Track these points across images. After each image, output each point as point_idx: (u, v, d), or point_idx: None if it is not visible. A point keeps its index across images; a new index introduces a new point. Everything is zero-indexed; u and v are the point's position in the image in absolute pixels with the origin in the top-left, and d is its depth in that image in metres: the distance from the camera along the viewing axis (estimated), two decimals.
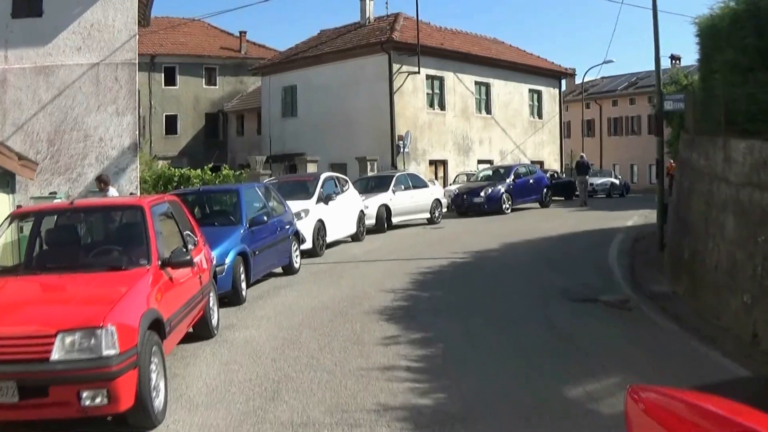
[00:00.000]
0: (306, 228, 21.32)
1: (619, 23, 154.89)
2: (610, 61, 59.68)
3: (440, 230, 29.44)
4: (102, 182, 18.79)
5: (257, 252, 15.87)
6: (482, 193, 35.67)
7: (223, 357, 10.61)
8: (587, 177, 43.32)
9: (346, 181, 26.90)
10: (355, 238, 25.82)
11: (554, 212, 36.40)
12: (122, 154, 22.56)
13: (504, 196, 35.97)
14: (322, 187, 23.84)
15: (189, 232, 11.27)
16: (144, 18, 30.02)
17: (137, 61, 23.21)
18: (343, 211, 24.55)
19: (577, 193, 46.99)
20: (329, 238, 23.12)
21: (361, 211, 26.40)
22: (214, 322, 11.91)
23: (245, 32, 64.44)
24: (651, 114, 70.14)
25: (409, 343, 10.99)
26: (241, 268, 14.86)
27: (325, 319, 12.79)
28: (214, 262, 13.27)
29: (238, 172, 36.29)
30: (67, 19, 22.57)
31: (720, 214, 12.67)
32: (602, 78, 79.23)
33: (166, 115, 59.57)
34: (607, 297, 14.61)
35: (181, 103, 60.03)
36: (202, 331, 11.45)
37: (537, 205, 39.30)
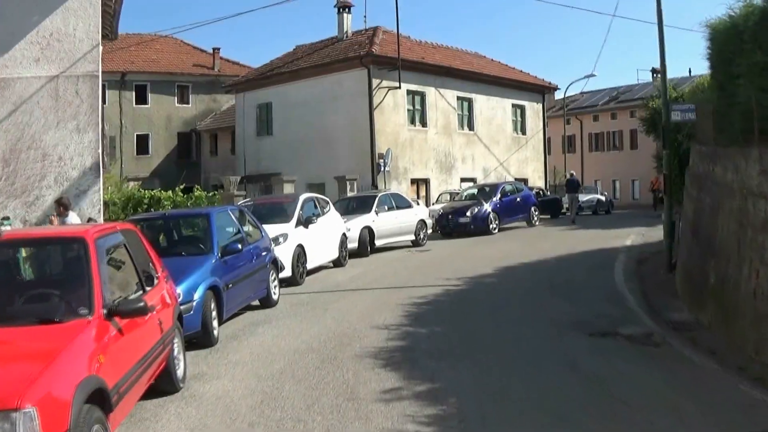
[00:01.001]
0: (285, 254, 19.61)
1: (599, 37, 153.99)
2: (592, 75, 58.99)
3: (427, 253, 27.74)
4: (61, 206, 17.10)
5: (231, 285, 13.99)
6: (468, 213, 34.19)
7: (190, 419, 8.71)
8: (577, 194, 42.66)
9: (327, 203, 25.15)
10: (338, 263, 24.10)
11: (544, 231, 34.76)
12: (83, 175, 20.62)
13: (491, 215, 34.49)
14: (301, 209, 22.13)
15: (148, 268, 9.46)
16: (111, 30, 28.13)
17: (100, 74, 21.31)
18: (324, 235, 22.84)
19: (563, 210, 46.64)
20: (310, 265, 21.39)
21: (344, 235, 24.71)
22: (180, 372, 10.00)
23: (219, 49, 62.72)
24: (634, 128, 69.43)
25: (415, 397, 9.13)
26: (213, 305, 13.00)
27: (310, 366, 10.92)
28: (180, 299, 11.51)
29: (211, 194, 34.71)
30: (24, 28, 20.65)
31: (759, 235, 10.98)
32: (582, 93, 78.19)
33: (137, 135, 57.93)
34: (628, 329, 13.02)
35: (153, 122, 58.36)
36: (164, 385, 9.53)
37: (524, 224, 37.69)
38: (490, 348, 11.86)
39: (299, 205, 22.22)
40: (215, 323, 13.05)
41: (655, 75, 77.32)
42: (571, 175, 44.94)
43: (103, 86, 53.27)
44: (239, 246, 14.50)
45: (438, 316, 14.66)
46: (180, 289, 11.97)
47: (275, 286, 17.04)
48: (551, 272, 20.68)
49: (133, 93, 57.64)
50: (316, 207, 23.57)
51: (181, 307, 11.50)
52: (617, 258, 23.12)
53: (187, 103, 60.05)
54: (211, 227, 14.50)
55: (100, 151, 20.88)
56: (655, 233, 28.84)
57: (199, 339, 12.45)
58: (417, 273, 21.61)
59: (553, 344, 12.06)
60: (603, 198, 53.08)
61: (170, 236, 15.61)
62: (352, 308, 15.90)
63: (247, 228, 16.95)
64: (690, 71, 44.75)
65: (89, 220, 16.41)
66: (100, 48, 21.88)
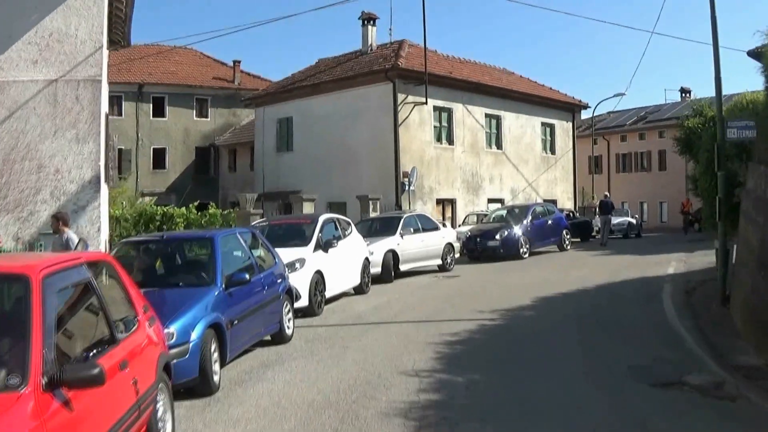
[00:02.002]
0: (301, 281, 17.75)
1: (626, 56, 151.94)
2: (622, 95, 56.66)
3: (455, 279, 25.81)
4: (60, 220, 15.29)
5: (236, 321, 12.04)
6: (497, 236, 32.42)
7: None
8: (610, 217, 41.31)
9: (349, 224, 23.30)
10: (359, 290, 22.23)
11: (577, 257, 32.80)
12: (82, 189, 18.79)
13: (521, 239, 32.74)
14: (320, 231, 20.29)
15: (124, 310, 7.59)
16: (123, 37, 26.54)
17: (104, 79, 19.58)
18: (345, 260, 20.99)
19: (593, 234, 45.24)
20: (329, 293, 19.54)
21: (366, 259, 22.85)
22: None
23: (239, 62, 61.36)
24: (663, 149, 67.65)
25: None
26: (213, 346, 11.06)
27: (327, 427, 8.96)
28: (174, 340, 9.80)
29: (226, 212, 33.06)
30: (21, 27, 18.87)
31: None
32: (609, 113, 76.56)
33: (154, 148, 56.62)
34: (695, 378, 11.10)
35: (170, 136, 57.05)
36: None
37: (555, 248, 35.90)
38: (542, 404, 9.91)
39: (318, 226, 20.38)
40: (216, 366, 11.10)
41: (684, 94, 76.09)
42: (606, 196, 43.43)
43: (120, 97, 53.38)
44: (247, 276, 12.47)
45: (475, 360, 12.67)
46: (174, 328, 10.23)
47: (289, 320, 15.14)
48: (594, 305, 18.72)
49: (151, 105, 56.42)
50: (336, 229, 21.73)
51: (175, 350, 9.83)
52: (663, 288, 21.20)
53: (206, 116, 58.79)
54: (215, 253, 12.51)
55: (101, 163, 19.10)
56: (697, 260, 27.08)
57: (196, 387, 10.54)
58: (446, 303, 19.69)
59: (614, 399, 10.15)
60: (634, 221, 51.14)
61: (168, 263, 13.56)
62: (376, 347, 13.97)
63: (259, 253, 15.07)
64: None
65: (80, 241, 14.48)
66: (105, 51, 20.15)
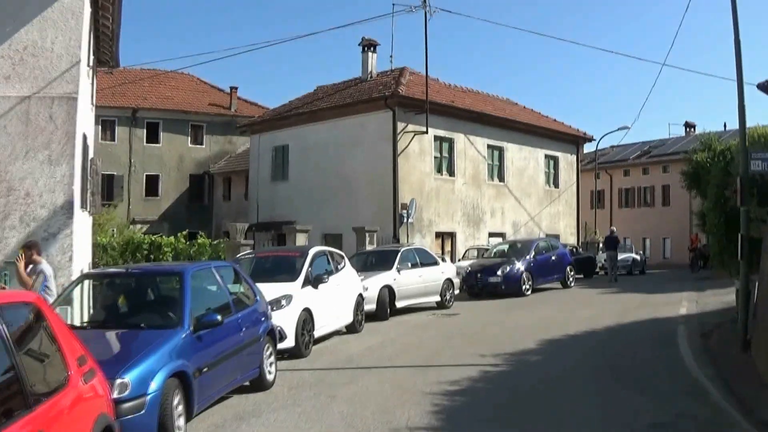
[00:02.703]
0: (287, 320, 16.32)
1: (629, 89, 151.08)
2: (627, 128, 55.42)
3: (455, 318, 24.34)
4: (33, 250, 13.74)
5: (206, 369, 10.52)
6: (499, 272, 31.11)
7: None
8: (617, 252, 40.29)
9: (342, 257, 21.81)
10: (352, 329, 20.74)
11: (582, 295, 31.34)
12: (53, 215, 17.34)
13: (524, 275, 31.38)
14: (310, 265, 18.77)
15: (49, 365, 6.15)
16: (111, 57, 25.36)
17: (81, 96, 18.16)
18: (336, 296, 19.51)
19: (597, 270, 44.51)
20: (319, 332, 18.09)
21: (360, 295, 21.39)
22: None
23: (236, 88, 60.45)
24: (667, 184, 66.58)
25: None
26: (177, 398, 9.55)
27: None
28: (128, 393, 8.56)
29: (216, 242, 31.84)
30: None
31: None
32: (612, 147, 75.71)
33: (146, 175, 55.45)
34: None
35: (164, 162, 55.90)
36: None
37: (559, 285, 34.51)
38: None
39: (308, 260, 18.86)
40: (181, 421, 9.62)
41: (688, 129, 75.26)
42: (612, 231, 42.02)
43: (113, 122, 52.26)
44: (218, 317, 10.84)
45: (478, 416, 11.21)
46: (129, 378, 8.83)
47: (271, 364, 13.64)
48: (606, 349, 17.24)
49: (145, 130, 55.42)
50: (328, 262, 20.27)
51: (129, 405, 8.52)
52: (677, 331, 19.74)
53: (201, 143, 57.75)
54: (183, 291, 10.92)
55: (74, 187, 17.68)
56: (709, 300, 25.79)
57: None
58: (445, 345, 18.20)
59: None
60: (638, 257, 49.98)
61: (132, 300, 11.95)
62: (367, 397, 12.48)
63: (238, 289, 13.59)
64: (725, 125, 41.93)
65: (38, 274, 13.04)
66: (83, 67, 18.82)
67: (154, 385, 9.09)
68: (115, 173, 52.61)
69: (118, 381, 8.68)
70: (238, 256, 21.30)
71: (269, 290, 16.22)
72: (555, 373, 14.54)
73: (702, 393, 12.69)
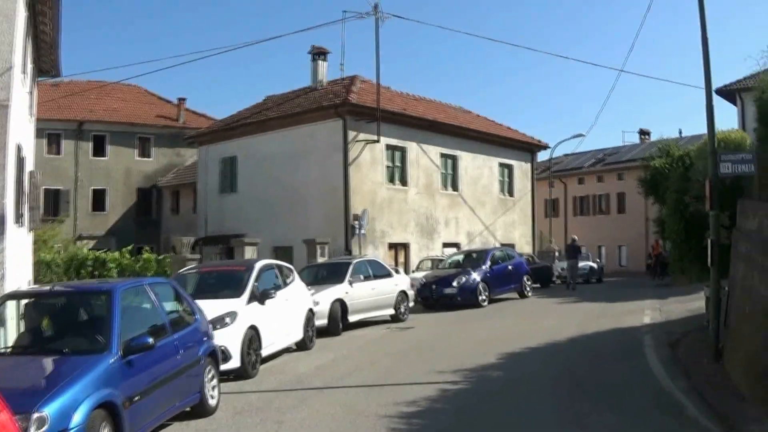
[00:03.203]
0: (232, 339, 15.32)
1: (583, 97, 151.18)
2: (581, 135, 54.92)
3: (410, 332, 23.41)
4: None
5: (138, 397, 9.50)
6: (454, 283, 30.29)
7: None
8: (578, 261, 40.46)
9: (291, 271, 20.71)
10: (302, 346, 19.72)
11: (541, 304, 30.55)
12: None
13: (480, 285, 30.56)
14: (256, 279, 17.64)
15: None
16: (52, 65, 24.38)
17: (12, 104, 17.00)
18: (285, 312, 18.47)
19: (554, 279, 44.36)
20: (266, 351, 17.05)
21: (310, 310, 20.36)
22: None
23: (184, 99, 59.76)
24: (622, 192, 66.43)
25: None
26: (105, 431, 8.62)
27: None
28: (46, 428, 7.70)
29: (162, 257, 30.80)
30: None
31: None
32: (566, 155, 75.48)
33: (93, 189, 54.40)
34: None
35: (111, 177, 54.86)
36: None
37: (516, 295, 33.65)
38: None
39: (254, 274, 17.70)
40: None
41: (643, 136, 75.21)
42: (573, 240, 41.64)
43: (59, 135, 51.03)
44: (150, 340, 9.76)
45: None
46: (47, 412, 7.87)
47: (213, 387, 12.64)
48: (570, 362, 16.34)
49: (91, 144, 54.47)
50: (276, 276, 19.18)
51: None
52: (643, 341, 18.85)
53: (149, 156, 56.84)
54: (111, 311, 9.84)
55: (7, 201, 16.59)
56: (673, 308, 25.07)
57: None
58: (401, 362, 17.22)
59: None
60: (595, 265, 49.57)
61: (57, 322, 10.80)
62: (317, 422, 11.51)
63: (176, 307, 12.56)
64: (681, 132, 41.70)
65: None
66: (17, 74, 17.69)
67: (77, 418, 8.10)
68: (61, 188, 51.66)
69: (36, 415, 7.73)
70: (181, 271, 20.11)
71: (213, 307, 15.28)
72: (518, 390, 13.65)
73: (677, 407, 11.94)
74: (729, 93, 43.04)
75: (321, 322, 22.05)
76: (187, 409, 11.88)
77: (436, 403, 12.53)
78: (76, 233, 49.91)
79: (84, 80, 52.55)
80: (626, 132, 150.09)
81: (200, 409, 12.11)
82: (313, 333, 20.45)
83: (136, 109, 57.47)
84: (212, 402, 12.45)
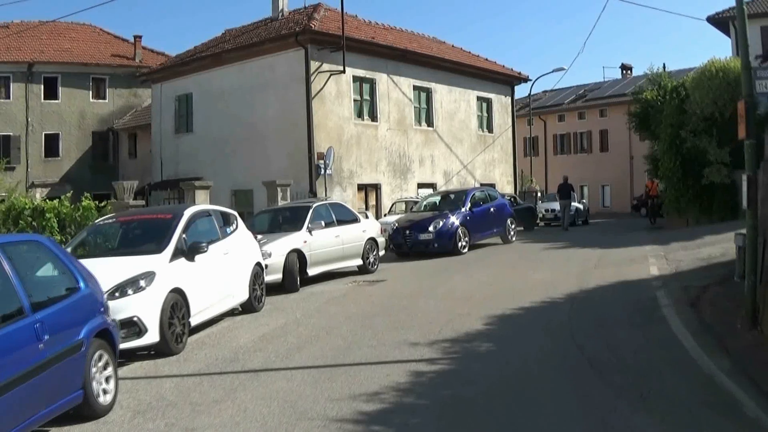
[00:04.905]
0: (148, 307, 11.99)
1: (563, 30, 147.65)
2: (563, 69, 51.86)
3: (380, 286, 20.17)
4: None
5: None
6: (430, 228, 27.29)
7: None
8: (570, 201, 39.12)
9: (234, 218, 17.10)
10: (248, 307, 16.41)
11: (528, 251, 27.46)
12: None
13: (459, 230, 27.58)
14: (185, 230, 14.13)
15: None
16: None
17: None
18: (224, 269, 15.08)
19: (538, 221, 42.59)
20: (197, 318, 13.68)
21: (258, 265, 17.01)
22: None
23: (140, 37, 56.12)
24: (605, 129, 64.04)
25: None
26: None
27: None
28: None
29: (103, 204, 27.61)
30: None
31: None
32: (545, 92, 73.01)
33: (45, 134, 51.17)
34: None
35: (64, 120, 51.52)
36: None
37: (498, 240, 30.65)
38: None
39: (182, 224, 14.19)
40: None
41: (625, 71, 72.82)
42: (565, 179, 39.65)
43: (7, 78, 47.48)
44: None
45: None
46: None
47: (108, 378, 9.35)
48: (575, 330, 12.93)
49: (42, 86, 50.87)
50: (214, 225, 15.71)
51: None
52: (657, 299, 15.51)
53: (104, 98, 53.49)
54: None
55: None
56: (680, 255, 21.71)
57: None
58: (365, 329, 13.81)
59: None
60: (581, 206, 46.82)
61: None
62: (240, 428, 8.31)
63: (49, 274, 9.23)
64: (665, 66, 38.88)
65: None
66: None
67: None
68: (11, 134, 48.99)
69: None
70: (97, 221, 16.69)
71: (125, 267, 12.17)
72: (515, 371, 10.35)
73: (729, 402, 8.76)
74: (721, 22, 40.51)
75: (275, 277, 19.00)
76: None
77: (406, 396, 9.25)
78: (28, 181, 47.22)
79: (36, 20, 49.70)
80: (607, 68, 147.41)
81: (86, 411, 8.86)
82: (263, 292, 17.13)
83: (90, 49, 54.13)
84: (104, 399, 9.16)
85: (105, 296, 10.38)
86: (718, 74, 30.33)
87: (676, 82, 34.25)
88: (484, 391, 9.39)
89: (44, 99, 50.77)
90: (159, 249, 13.23)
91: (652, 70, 39.62)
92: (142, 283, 12.07)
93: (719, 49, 79.41)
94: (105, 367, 9.32)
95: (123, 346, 11.09)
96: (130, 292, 11.80)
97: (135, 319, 11.58)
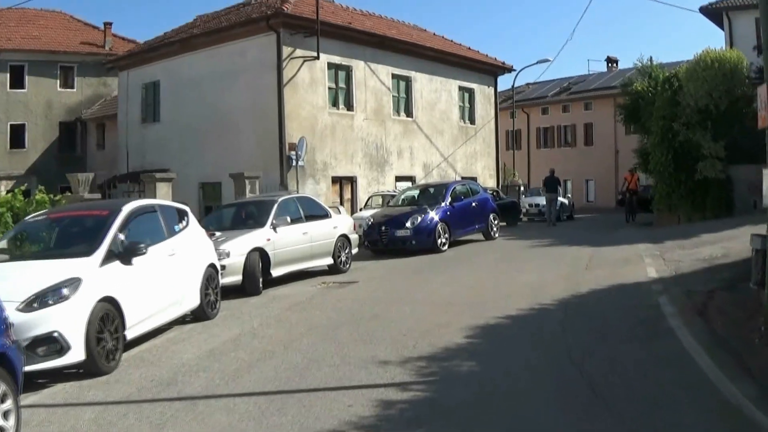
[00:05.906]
0: (71, 319, 10.22)
1: (547, 24, 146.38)
2: (548, 61, 50.36)
3: (350, 289, 18.40)
4: None
5: None
6: (408, 223, 25.77)
7: None
8: (557, 195, 37.95)
9: (184, 214, 15.19)
10: (200, 315, 14.62)
11: (512, 248, 25.89)
12: None
13: (439, 226, 26.07)
14: (121, 228, 12.24)
15: None
16: None
17: None
18: (169, 272, 13.26)
19: (521, 216, 41.01)
20: (135, 331, 11.84)
21: (212, 267, 15.21)
22: None
23: (111, 24, 54.11)
24: (589, 122, 63.01)
25: None
26: None
27: None
28: None
29: (57, 197, 26.00)
30: None
31: None
32: (528, 84, 71.68)
33: (11, 125, 49.00)
34: None
35: (30, 110, 49.54)
36: None
37: (480, 236, 29.16)
38: None
39: (118, 221, 12.29)
40: None
41: (610, 64, 72.02)
42: (552, 172, 38.39)
43: None
44: None
45: None
46: None
47: (7, 413, 7.51)
48: (571, 343, 11.13)
49: (8, 75, 48.77)
50: (159, 223, 13.84)
51: None
52: (660, 307, 13.72)
53: (72, 87, 51.44)
54: None
55: None
56: (677, 255, 20.06)
57: None
58: (328, 344, 11.97)
59: None
60: (566, 201, 45.53)
61: None
62: None
63: None
64: (651, 59, 37.53)
65: None
66: None
67: None
68: None
69: None
70: (27, 218, 14.77)
71: (48, 273, 10.44)
72: (503, 399, 8.60)
73: None
74: (715, 12, 39.08)
75: (234, 279, 17.38)
76: None
77: None
78: None
79: (5, 8, 47.52)
80: (592, 60, 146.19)
81: None
82: (217, 297, 15.30)
83: (59, 36, 52.21)
84: None
85: (15, 309, 8.69)
86: (714, 65, 29.05)
87: (669, 73, 32.84)
88: (465, 429, 7.63)
89: (10, 88, 48.82)
90: (89, 251, 11.36)
91: (642, 61, 38.31)
92: (65, 291, 10.27)
93: (710, 42, 78.29)
94: (2, 400, 7.53)
95: (42, 366, 9.63)
96: (50, 302, 10.05)
97: (55, 334, 9.85)
